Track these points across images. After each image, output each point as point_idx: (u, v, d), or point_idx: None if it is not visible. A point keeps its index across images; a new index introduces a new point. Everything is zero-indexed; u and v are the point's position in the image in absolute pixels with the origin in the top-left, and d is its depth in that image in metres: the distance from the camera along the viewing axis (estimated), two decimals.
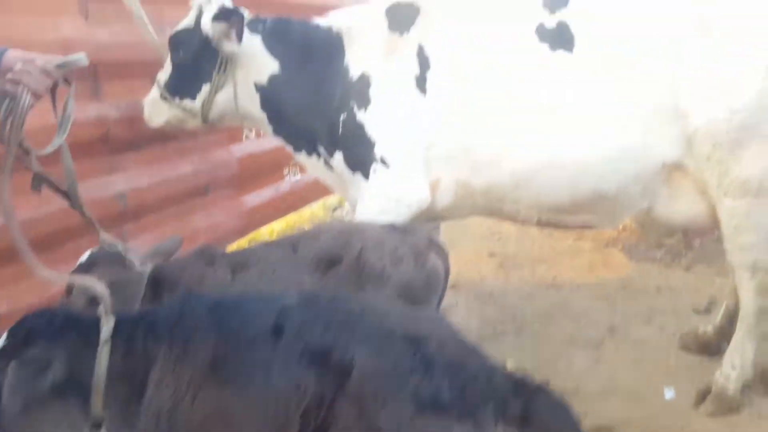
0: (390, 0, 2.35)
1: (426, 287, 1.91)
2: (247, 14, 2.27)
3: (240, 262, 1.96)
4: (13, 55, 1.44)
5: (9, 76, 1.40)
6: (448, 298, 3.30)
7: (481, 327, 2.98)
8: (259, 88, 2.31)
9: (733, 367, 2.22)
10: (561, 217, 2.30)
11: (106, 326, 1.31)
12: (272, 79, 2.30)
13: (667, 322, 2.97)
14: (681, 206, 2.19)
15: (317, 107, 2.31)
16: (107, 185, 2.47)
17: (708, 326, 2.65)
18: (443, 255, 1.99)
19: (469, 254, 4.07)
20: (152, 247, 1.96)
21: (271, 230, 4.21)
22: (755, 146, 1.98)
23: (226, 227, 3.23)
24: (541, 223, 2.40)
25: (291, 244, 1.97)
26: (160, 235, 2.81)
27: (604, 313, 3.10)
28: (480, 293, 3.41)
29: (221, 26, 2.14)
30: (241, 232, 3.48)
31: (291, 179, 3.53)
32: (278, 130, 2.43)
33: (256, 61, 2.28)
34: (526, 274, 3.68)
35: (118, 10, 2.30)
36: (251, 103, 2.34)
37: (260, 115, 2.38)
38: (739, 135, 1.97)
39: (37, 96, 1.44)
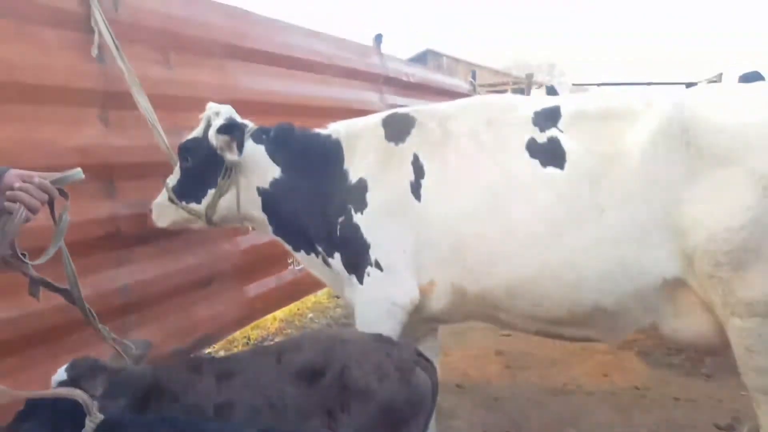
0: (388, 111, 2.48)
1: (411, 405, 1.84)
2: (251, 126, 2.42)
3: (225, 370, 1.93)
4: (13, 173, 1.54)
5: (8, 193, 1.49)
6: (451, 401, 3.20)
7: None
8: (261, 192, 2.41)
9: None
10: (560, 330, 2.23)
11: None
12: (274, 183, 2.40)
13: None
14: (687, 324, 2.08)
15: (316, 210, 2.38)
16: (113, 278, 2.53)
17: None
18: (431, 370, 1.94)
19: (475, 351, 3.94)
20: (123, 349, 1.96)
21: (274, 318, 4.21)
22: (760, 266, 1.89)
23: (228, 317, 3.25)
24: (540, 334, 2.33)
25: (275, 352, 1.95)
26: (162, 326, 2.87)
27: (619, 427, 2.90)
28: (485, 397, 3.26)
29: (224, 138, 2.28)
30: (243, 321, 3.49)
31: (295, 268, 3.56)
32: (278, 231, 2.50)
33: (258, 167, 2.39)
34: (534, 377, 3.50)
35: (135, 117, 2.47)
36: (253, 206, 2.43)
37: (261, 217, 2.46)
38: (741, 255, 1.88)
39: (33, 211, 1.52)
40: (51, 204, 1.64)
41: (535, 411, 3.08)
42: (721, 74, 10.90)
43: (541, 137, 2.14)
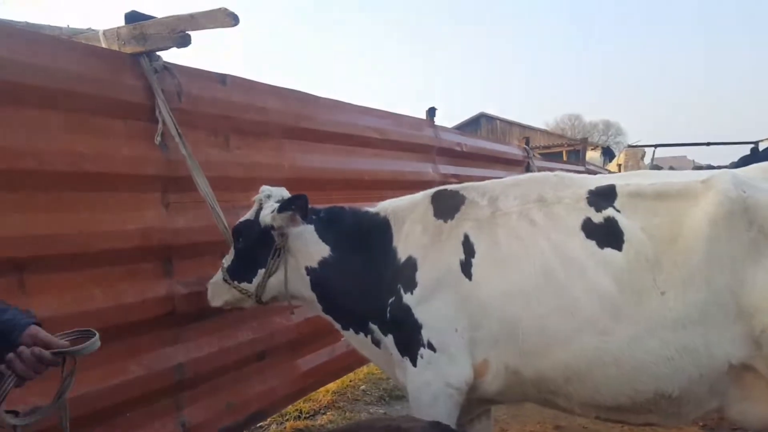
0: (435, 188, 2.49)
1: None
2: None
3: None
4: (28, 333, 1.46)
5: (7, 356, 1.41)
6: None
7: None
8: (310, 271, 2.43)
9: None
10: (621, 417, 2.11)
11: None
12: (322, 262, 2.42)
13: None
14: (756, 408, 1.94)
15: (367, 290, 2.37)
16: (167, 357, 2.59)
17: None
18: None
19: (532, 425, 3.70)
20: None
21: (326, 390, 4.13)
22: None
23: (280, 391, 3.22)
24: (601, 420, 2.20)
25: None
26: (216, 402, 2.87)
27: None
28: None
29: (286, 215, 2.34)
30: (296, 395, 3.45)
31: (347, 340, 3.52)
32: (327, 310, 2.50)
33: (308, 247, 2.43)
34: None
35: (194, 198, 2.61)
36: (302, 285, 2.46)
37: (310, 296, 2.48)
38: None
39: (25, 379, 1.44)
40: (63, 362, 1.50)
41: None
42: None
43: (597, 217, 2.08)
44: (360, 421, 3.63)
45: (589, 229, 2.07)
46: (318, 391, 4.02)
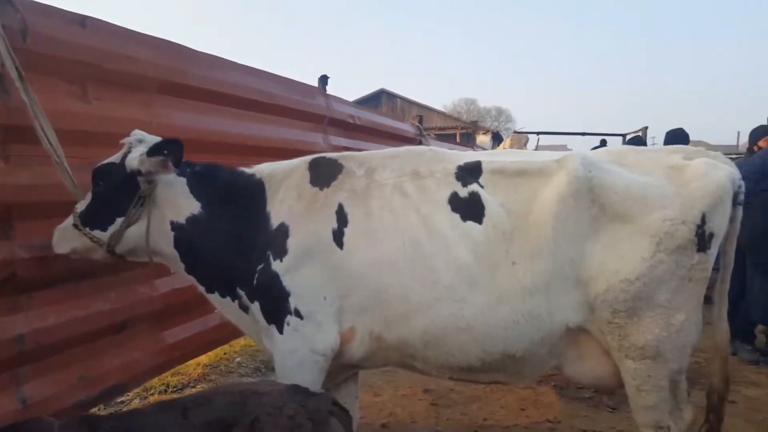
0: (313, 155, 2.45)
1: None
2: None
3: (124, 428, 1.82)
4: None
5: None
6: None
7: None
8: (176, 227, 2.30)
9: None
10: (473, 376, 2.29)
11: None
12: (191, 219, 2.30)
13: None
14: (588, 367, 2.21)
15: (236, 253, 2.29)
16: (5, 327, 2.31)
17: None
18: (346, 420, 1.90)
19: (404, 389, 3.92)
20: None
21: (197, 363, 3.99)
22: (650, 314, 2.05)
23: (143, 364, 3.04)
24: (453, 380, 2.38)
25: (181, 407, 1.84)
26: (66, 376, 2.64)
27: None
28: None
29: (157, 160, 2.16)
30: (161, 368, 3.28)
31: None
32: (191, 270, 2.38)
33: (177, 200, 2.29)
34: (457, 414, 3.53)
35: (40, 153, 2.32)
36: (164, 241, 2.31)
37: (172, 253, 2.34)
38: (636, 304, 2.04)
39: None
40: None
41: None
42: (646, 128, 11.75)
43: (463, 191, 2.18)
44: (217, 387, 3.57)
45: (455, 203, 2.17)
46: (188, 364, 3.87)
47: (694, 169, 2.09)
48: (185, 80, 3.29)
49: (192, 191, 2.31)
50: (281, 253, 2.22)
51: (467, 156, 2.34)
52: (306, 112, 4.54)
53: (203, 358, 4.08)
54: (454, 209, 2.16)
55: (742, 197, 2.18)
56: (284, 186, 2.34)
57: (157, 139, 2.31)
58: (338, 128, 5.17)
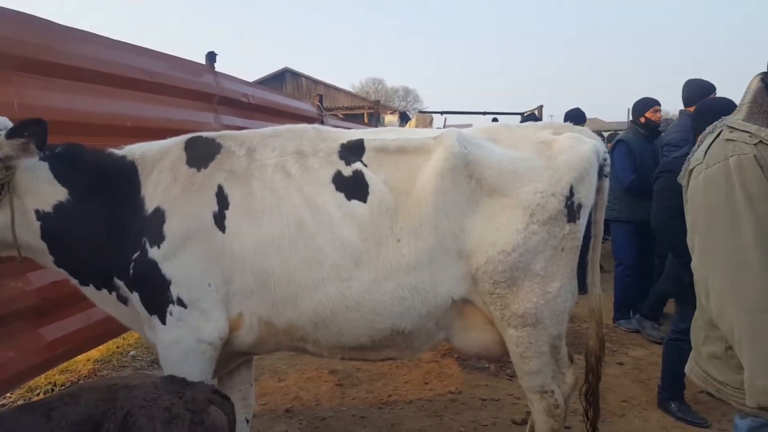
0: (191, 134, 2.35)
1: None
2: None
3: None
4: None
5: None
6: (279, 427, 3.15)
7: None
8: (42, 216, 2.12)
9: None
10: (364, 355, 2.32)
11: None
12: (58, 207, 2.13)
13: None
14: (474, 337, 2.32)
15: (109, 242, 2.16)
16: None
17: None
18: (227, 407, 1.88)
19: (309, 372, 3.96)
20: None
21: (87, 358, 3.79)
22: (528, 283, 2.17)
23: (19, 364, 2.84)
24: (345, 359, 2.40)
25: (45, 408, 1.72)
26: None
27: (432, 430, 3.11)
28: (313, 419, 3.28)
29: (17, 143, 1.98)
30: (42, 367, 3.08)
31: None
32: (61, 263, 2.22)
33: (40, 187, 2.11)
34: (362, 393, 3.62)
35: None
36: (29, 232, 2.13)
37: (39, 245, 2.16)
38: (514, 274, 2.15)
39: None
40: None
41: (359, 426, 3.17)
42: (541, 106, 12.57)
43: (347, 170, 2.20)
44: (83, 383, 3.41)
45: (339, 181, 2.18)
46: (77, 360, 3.66)
47: (561, 144, 2.24)
48: (53, 58, 3.04)
49: (56, 176, 2.14)
50: (158, 239, 2.13)
51: (350, 134, 2.36)
52: (192, 90, 4.35)
53: (94, 353, 3.87)
54: (339, 188, 2.16)
55: (607, 169, 2.38)
56: (158, 167, 2.23)
57: (5, 121, 2.10)
58: (231, 107, 5.02)
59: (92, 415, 1.69)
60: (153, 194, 2.19)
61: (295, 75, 29.07)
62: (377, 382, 3.77)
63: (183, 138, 2.33)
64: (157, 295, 2.13)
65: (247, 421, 2.59)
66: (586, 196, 2.23)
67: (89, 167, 2.22)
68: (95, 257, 2.19)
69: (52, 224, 2.14)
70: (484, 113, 16.49)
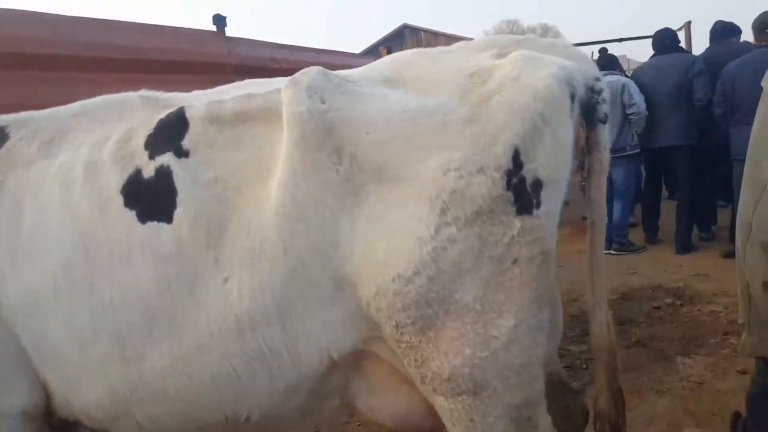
0: None
1: None
2: None
3: None
4: None
5: None
6: None
7: None
8: None
9: None
10: None
11: None
12: None
13: None
14: (382, 400, 1.45)
15: None
16: None
17: None
18: None
19: None
20: None
21: None
22: (453, 324, 1.25)
23: None
24: None
25: None
26: None
27: None
28: None
29: None
30: None
31: None
32: None
33: None
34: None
35: None
36: None
37: None
38: (424, 311, 1.25)
39: None
40: None
41: None
42: (689, 22, 9.94)
43: (148, 169, 1.41)
44: None
45: (130, 191, 1.40)
46: None
47: (501, 74, 1.26)
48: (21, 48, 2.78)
49: None
50: None
51: (185, 100, 1.54)
52: (192, 62, 3.89)
53: None
54: (129, 203, 1.39)
55: (603, 109, 1.34)
56: None
57: None
58: (256, 76, 4.47)
59: None
60: None
61: (414, 30, 27.96)
62: None
63: None
64: None
65: None
66: (549, 162, 1.22)
67: None
68: None
69: None
70: (631, 38, 13.84)
